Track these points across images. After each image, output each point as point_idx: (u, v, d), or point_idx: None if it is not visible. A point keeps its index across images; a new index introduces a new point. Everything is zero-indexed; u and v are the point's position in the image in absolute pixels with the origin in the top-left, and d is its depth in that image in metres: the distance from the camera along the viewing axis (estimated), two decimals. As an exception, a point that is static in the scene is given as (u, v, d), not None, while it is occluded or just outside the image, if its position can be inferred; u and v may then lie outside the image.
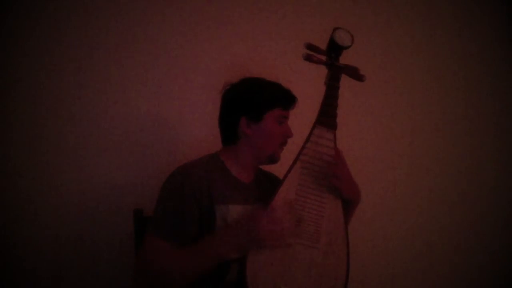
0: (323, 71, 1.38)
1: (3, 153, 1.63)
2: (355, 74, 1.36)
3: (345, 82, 1.38)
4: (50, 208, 1.66)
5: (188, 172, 1.34)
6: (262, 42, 1.87)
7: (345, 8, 1.96)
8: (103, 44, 1.71)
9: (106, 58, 1.71)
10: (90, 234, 1.68)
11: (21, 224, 1.63)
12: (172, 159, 1.72)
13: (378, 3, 2.01)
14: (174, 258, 1.27)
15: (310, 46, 1.34)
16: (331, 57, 1.35)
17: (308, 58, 1.34)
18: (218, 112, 1.46)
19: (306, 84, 1.68)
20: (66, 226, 1.67)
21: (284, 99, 1.41)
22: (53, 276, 1.65)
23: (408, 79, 2.07)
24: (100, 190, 1.69)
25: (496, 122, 2.19)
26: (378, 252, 2.02)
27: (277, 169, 1.50)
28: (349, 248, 1.34)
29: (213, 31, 1.81)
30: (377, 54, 2.01)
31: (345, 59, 1.38)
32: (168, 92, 1.77)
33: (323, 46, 1.37)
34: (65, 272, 1.66)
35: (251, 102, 1.39)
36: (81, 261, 1.67)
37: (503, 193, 2.18)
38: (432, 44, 2.08)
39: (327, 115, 1.34)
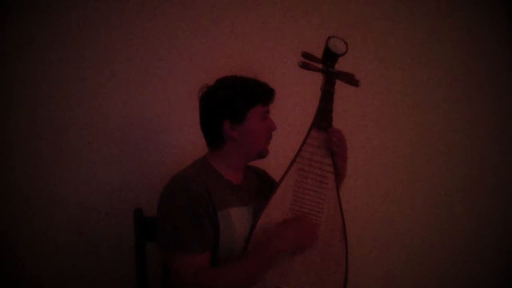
0: (319, 75, 1.41)
1: (3, 153, 1.63)
2: (350, 79, 1.40)
3: (344, 85, 1.42)
4: (50, 208, 1.66)
5: (189, 182, 1.33)
6: (258, 46, 1.88)
7: (342, 13, 1.99)
8: (103, 45, 1.72)
9: (108, 59, 1.72)
10: (90, 234, 1.69)
11: (21, 224, 1.64)
12: (172, 159, 1.75)
13: (374, 9, 2.04)
14: (220, 276, 1.29)
15: (306, 55, 1.38)
16: (326, 64, 1.39)
17: (304, 66, 1.38)
18: (199, 118, 1.45)
19: (303, 88, 1.71)
20: (66, 226, 1.68)
21: (262, 94, 1.40)
22: (53, 276, 1.66)
23: (406, 81, 2.08)
24: (100, 190, 1.70)
25: (496, 123, 2.19)
26: (377, 252, 2.03)
27: (275, 172, 1.53)
28: (347, 248, 1.38)
29: (208, 35, 1.83)
30: (375, 57, 2.03)
31: (342, 64, 1.42)
32: (168, 93, 1.78)
33: (318, 48, 1.41)
34: (65, 272, 1.67)
35: (231, 105, 1.37)
36: (81, 261, 1.68)
37: (504, 193, 2.20)
38: (429, 47, 2.10)
39: (323, 119, 1.38)
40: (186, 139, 1.78)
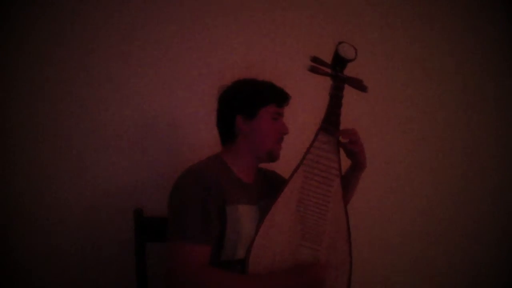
0: (328, 79, 1.43)
1: (3, 153, 1.62)
2: (359, 85, 1.43)
3: (348, 87, 1.44)
4: (50, 208, 1.65)
5: (203, 174, 1.36)
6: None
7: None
8: (108, 43, 1.73)
9: (109, 58, 1.73)
10: (90, 234, 1.68)
11: (21, 224, 1.63)
12: (172, 160, 1.76)
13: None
14: (224, 278, 1.30)
15: (315, 59, 1.40)
16: (335, 69, 1.41)
17: (313, 70, 1.40)
18: (216, 115, 1.50)
19: (312, 92, 1.72)
20: (66, 226, 1.66)
21: (277, 96, 1.46)
22: (53, 276, 1.64)
23: (408, 81, 2.12)
24: (100, 190, 1.70)
25: (496, 123, 2.23)
26: (378, 251, 2.05)
27: (283, 173, 1.54)
28: (351, 250, 1.39)
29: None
30: (378, 55, 2.07)
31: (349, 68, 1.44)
32: (169, 93, 1.79)
33: (326, 54, 1.43)
34: (65, 272, 1.66)
35: (245, 99, 1.44)
36: (81, 261, 1.67)
37: (504, 193, 2.23)
38: (431, 51, 2.15)
39: (330, 123, 1.40)
40: (187, 140, 1.79)
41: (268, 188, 1.50)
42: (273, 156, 1.46)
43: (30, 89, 1.65)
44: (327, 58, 1.42)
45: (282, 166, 1.49)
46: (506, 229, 2.22)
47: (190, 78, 1.81)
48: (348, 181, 1.49)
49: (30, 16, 1.65)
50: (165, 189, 1.66)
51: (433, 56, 2.16)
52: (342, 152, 1.43)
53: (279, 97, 1.46)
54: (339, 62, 1.40)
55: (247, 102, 1.44)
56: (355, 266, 1.40)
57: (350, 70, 1.43)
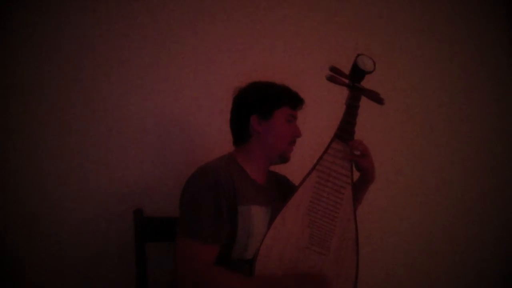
0: (343, 88, 1.46)
1: (4, 152, 1.59)
2: (375, 97, 1.46)
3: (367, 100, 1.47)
4: (50, 208, 1.62)
5: (216, 172, 1.35)
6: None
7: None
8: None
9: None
10: (90, 234, 1.65)
11: (21, 224, 1.59)
12: (172, 160, 1.75)
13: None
14: (228, 279, 1.29)
15: (334, 69, 1.44)
16: (353, 80, 1.44)
17: (331, 79, 1.43)
18: (230, 115, 1.51)
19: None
20: (66, 226, 1.64)
21: (292, 98, 1.48)
22: (53, 276, 1.61)
23: (409, 81, 2.16)
24: (100, 190, 1.68)
25: (497, 123, 2.27)
26: (380, 252, 2.06)
27: (295, 177, 1.55)
28: (358, 257, 1.41)
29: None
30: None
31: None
32: (171, 94, 1.78)
33: (342, 63, 1.46)
34: (66, 272, 1.62)
35: (261, 100, 1.46)
36: (81, 261, 1.64)
37: (504, 192, 2.27)
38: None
39: (345, 131, 1.42)
40: (188, 141, 1.79)
41: (279, 191, 1.52)
42: (284, 158, 1.49)
43: (31, 88, 1.63)
44: (343, 66, 1.46)
45: (295, 170, 1.52)
46: (507, 228, 2.27)
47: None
48: (356, 191, 1.50)
49: (35, 15, 1.63)
50: (165, 189, 1.69)
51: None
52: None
53: (294, 100, 1.49)
54: (357, 73, 1.44)
55: (263, 102, 1.46)
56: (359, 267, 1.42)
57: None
